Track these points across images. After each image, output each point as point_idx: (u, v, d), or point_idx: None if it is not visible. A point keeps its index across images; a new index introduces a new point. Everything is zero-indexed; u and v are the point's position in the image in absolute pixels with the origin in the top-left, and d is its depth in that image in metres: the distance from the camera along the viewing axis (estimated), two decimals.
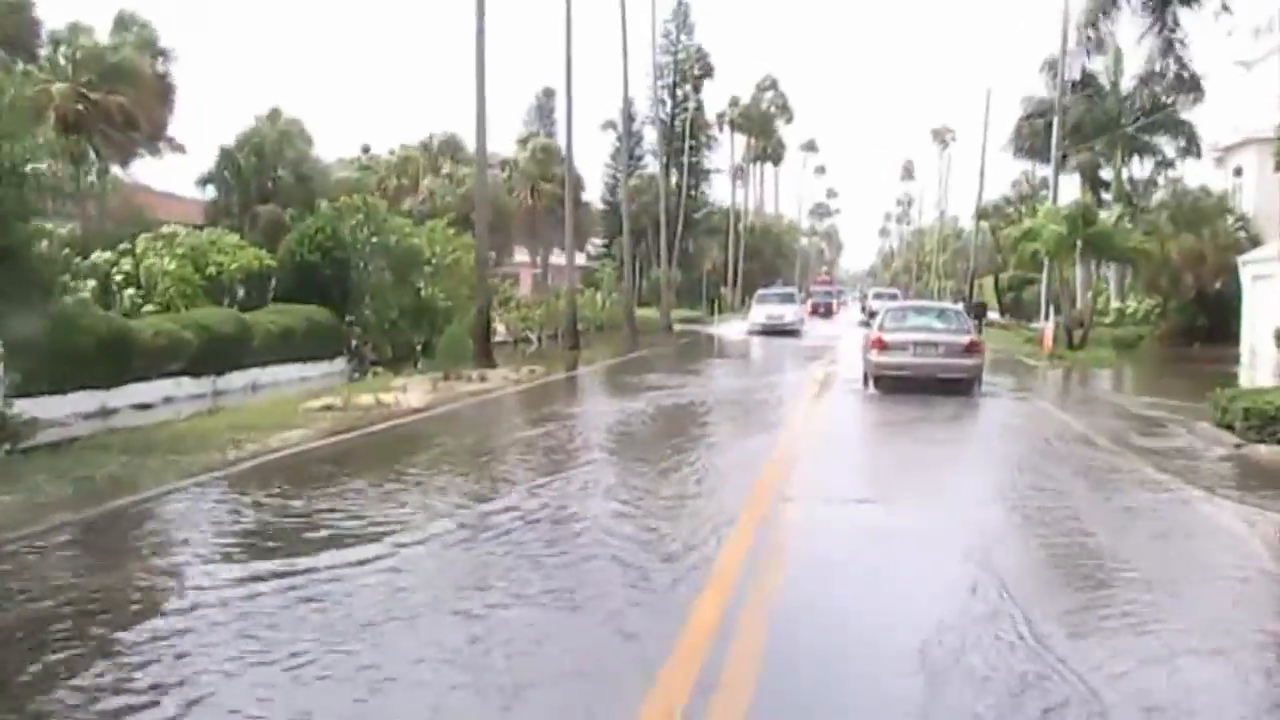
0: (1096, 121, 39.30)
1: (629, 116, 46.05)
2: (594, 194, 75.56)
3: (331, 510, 8.95)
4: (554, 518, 8.73)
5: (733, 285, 76.44)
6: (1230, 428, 13.41)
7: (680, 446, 13.53)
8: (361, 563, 7.19)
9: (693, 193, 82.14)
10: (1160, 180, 43.42)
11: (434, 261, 28.10)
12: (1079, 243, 29.56)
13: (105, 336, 17.56)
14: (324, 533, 8.14)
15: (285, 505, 9.27)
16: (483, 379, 21.62)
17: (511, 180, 50.18)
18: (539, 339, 36.65)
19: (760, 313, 44.54)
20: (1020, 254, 30.35)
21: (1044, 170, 49.94)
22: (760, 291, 52.11)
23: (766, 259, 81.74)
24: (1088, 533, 8.61)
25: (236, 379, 21.36)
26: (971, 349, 19.16)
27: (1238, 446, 12.77)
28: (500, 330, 36.73)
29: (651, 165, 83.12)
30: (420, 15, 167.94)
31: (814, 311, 63.46)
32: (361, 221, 25.21)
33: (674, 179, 79.60)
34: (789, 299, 47.56)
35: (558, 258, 62.71)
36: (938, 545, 8.05)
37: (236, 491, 9.96)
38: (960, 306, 60.84)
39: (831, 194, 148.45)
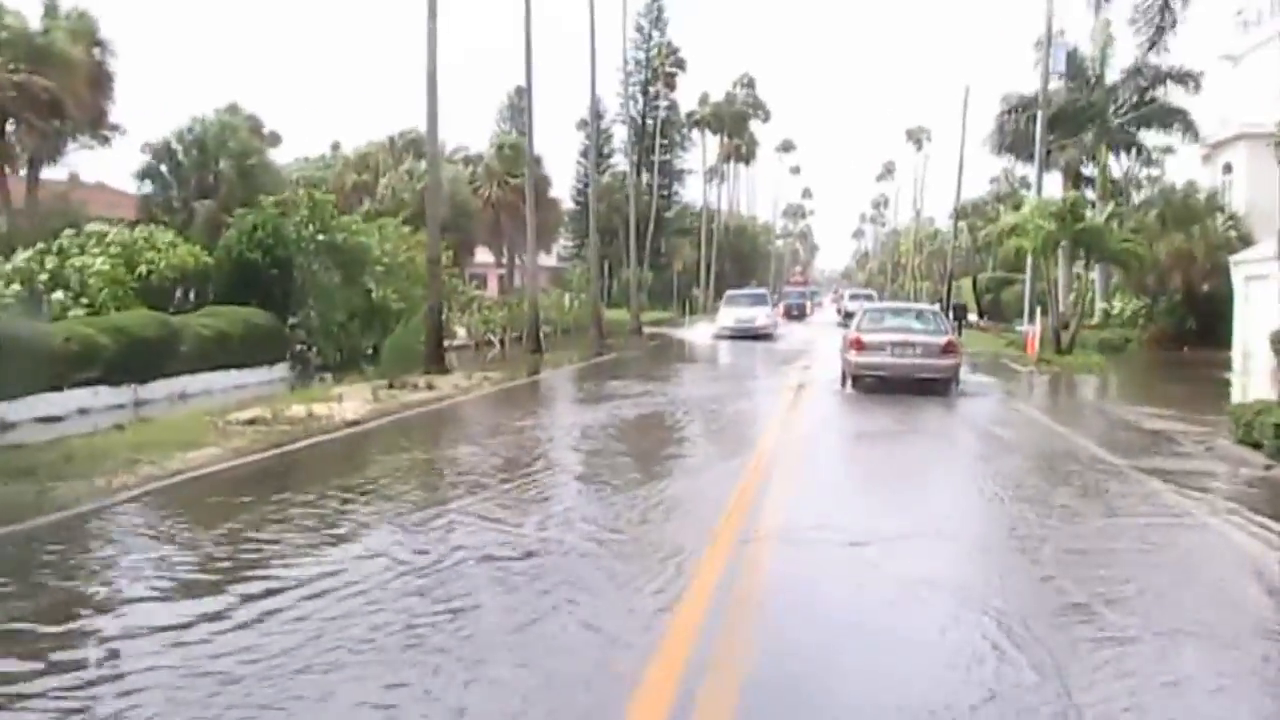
0: (1082, 114, 37.97)
1: (596, 114, 44.22)
2: (565, 192, 74.08)
3: (191, 562, 7.37)
4: (453, 574, 7.08)
5: (705, 286, 74.90)
6: (1256, 445, 11.92)
7: (639, 468, 11.93)
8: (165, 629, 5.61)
9: (665, 192, 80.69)
10: (1145, 177, 42.25)
11: (385, 261, 26.40)
12: (1065, 241, 28.16)
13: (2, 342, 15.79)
14: (153, 592, 6.54)
15: (141, 555, 7.61)
16: (431, 387, 19.95)
17: (476, 178, 48.41)
18: (502, 342, 35.03)
19: (729, 316, 41.50)
20: (1004, 251, 28.84)
21: (1025, 168, 48.73)
22: (729, 293, 48.33)
23: (740, 260, 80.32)
24: (1124, 580, 7.08)
25: (161, 388, 19.55)
26: (949, 349, 19.55)
27: (1268, 468, 11.28)
28: (461, 333, 35.11)
29: (624, 164, 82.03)
30: (398, 11, 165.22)
31: (787, 314, 60.75)
32: (306, 218, 23.43)
33: (645, 178, 78.26)
34: (760, 301, 43.97)
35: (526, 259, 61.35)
36: (943, 599, 6.48)
37: (88, 537, 8.30)
38: (937, 308, 59.99)
39: (806, 194, 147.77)
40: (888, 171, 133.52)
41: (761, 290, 51.01)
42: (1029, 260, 30.93)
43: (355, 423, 15.61)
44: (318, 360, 24.18)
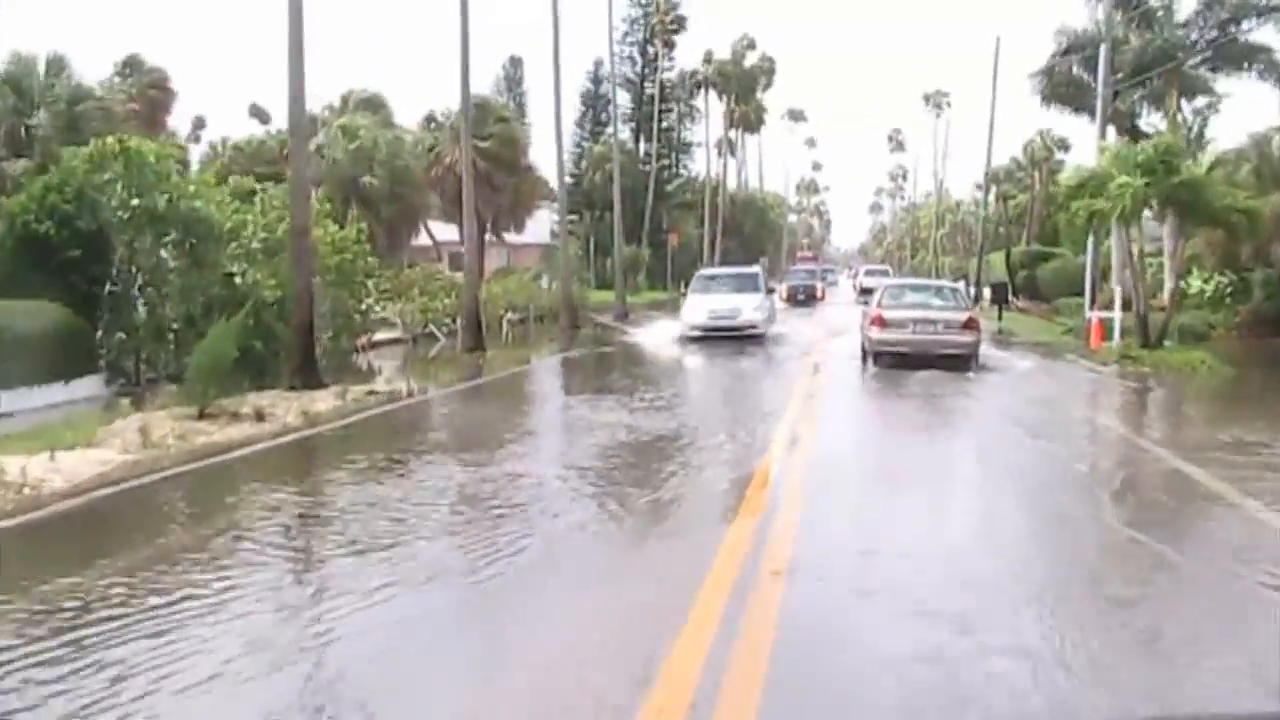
0: (1147, 53, 31.26)
1: (557, 48, 37.55)
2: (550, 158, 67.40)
3: None
4: None
5: (710, 264, 68.16)
6: None
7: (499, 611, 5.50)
8: None
9: (666, 163, 73.99)
10: (1205, 130, 35.50)
11: (263, 236, 19.97)
12: (1154, 201, 21.50)
13: None
14: None
15: None
16: (261, 417, 13.52)
17: (439, 143, 41.80)
18: (452, 333, 28.58)
19: (699, 307, 27.67)
20: (1071, 216, 22.15)
21: (1074, 122, 42.07)
22: (701, 273, 33.85)
23: (748, 235, 73.40)
24: None
25: None
26: (969, 325, 19.52)
27: None
28: (399, 326, 28.85)
29: (623, 132, 75.19)
30: None
31: (792, 298, 47.79)
32: (121, 175, 16.94)
33: (645, 147, 71.55)
34: (747, 284, 29.45)
35: (512, 236, 54.59)
36: None
37: None
38: (961, 284, 53.28)
39: (817, 166, 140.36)
40: (899, 145, 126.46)
41: (751, 270, 33.42)
42: (1096, 228, 23.99)
43: (71, 494, 9.37)
44: (150, 372, 17.79)
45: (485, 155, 40.41)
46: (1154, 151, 20.89)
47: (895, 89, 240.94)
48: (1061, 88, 38.19)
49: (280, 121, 40.83)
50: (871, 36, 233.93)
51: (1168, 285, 32.01)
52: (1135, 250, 23.17)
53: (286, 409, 14.22)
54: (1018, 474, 10.55)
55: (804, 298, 49.35)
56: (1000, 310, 36.92)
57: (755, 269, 33.44)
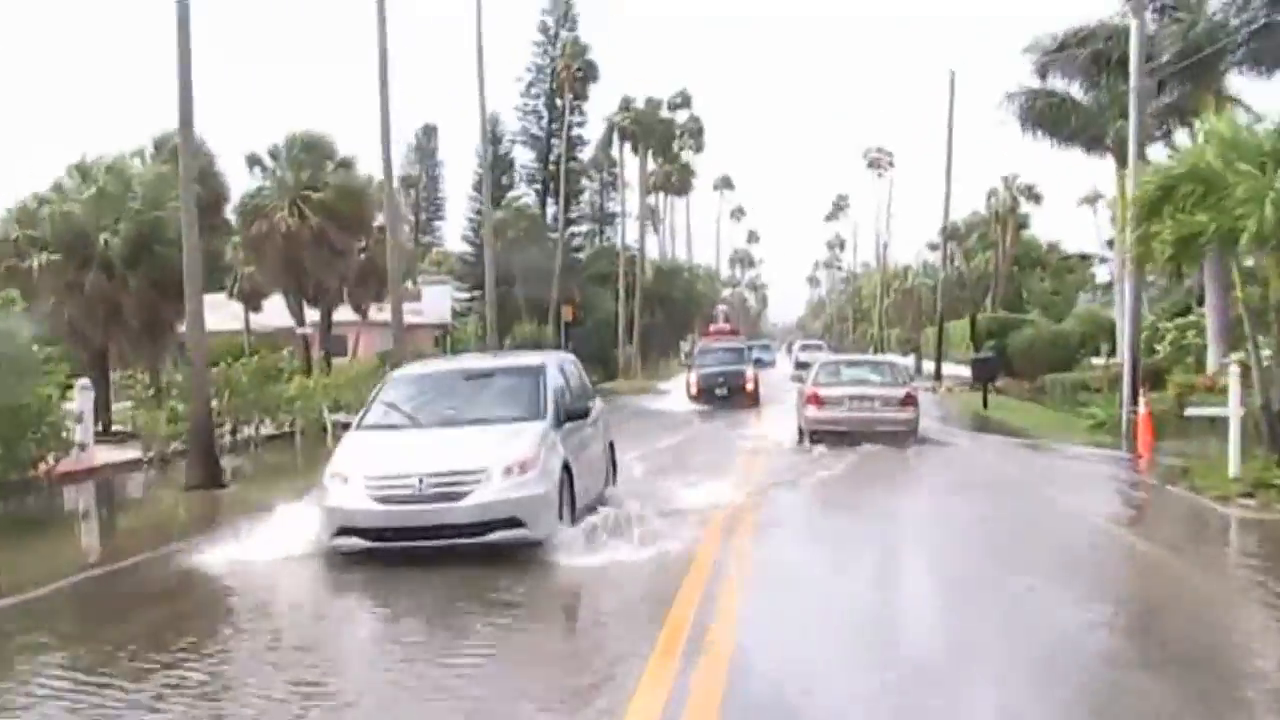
0: (1190, 45, 23.48)
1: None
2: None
3: None
4: None
5: (626, 344, 59.38)
6: None
7: None
8: None
9: (577, 230, 65.51)
10: None
11: None
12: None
13: None
14: None
15: None
16: None
17: (263, 192, 32.65)
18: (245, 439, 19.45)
19: (355, 472, 10.21)
20: (1151, 244, 13.36)
21: (1045, 162, 34.23)
22: (396, 376, 13.14)
23: (676, 309, 64.64)
24: None
25: None
26: (908, 401, 19.21)
27: None
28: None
29: (528, 196, 66.64)
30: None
31: (704, 394, 31.52)
32: None
33: (552, 210, 62.98)
34: (510, 398, 11.53)
35: (376, 313, 45.02)
36: None
37: None
38: (909, 359, 44.29)
39: (754, 237, 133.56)
40: (839, 211, 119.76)
41: (526, 362, 13.06)
42: (1187, 259, 14.97)
43: None
44: None
45: (320, 209, 31.35)
46: None
47: (835, 153, 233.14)
48: (1046, 109, 30.38)
49: None
50: (809, 99, 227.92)
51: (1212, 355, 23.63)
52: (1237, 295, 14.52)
53: None
54: None
55: (725, 392, 31.06)
56: (985, 393, 28.44)
57: (539, 361, 12.61)
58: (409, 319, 62.38)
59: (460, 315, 62.11)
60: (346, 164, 32.65)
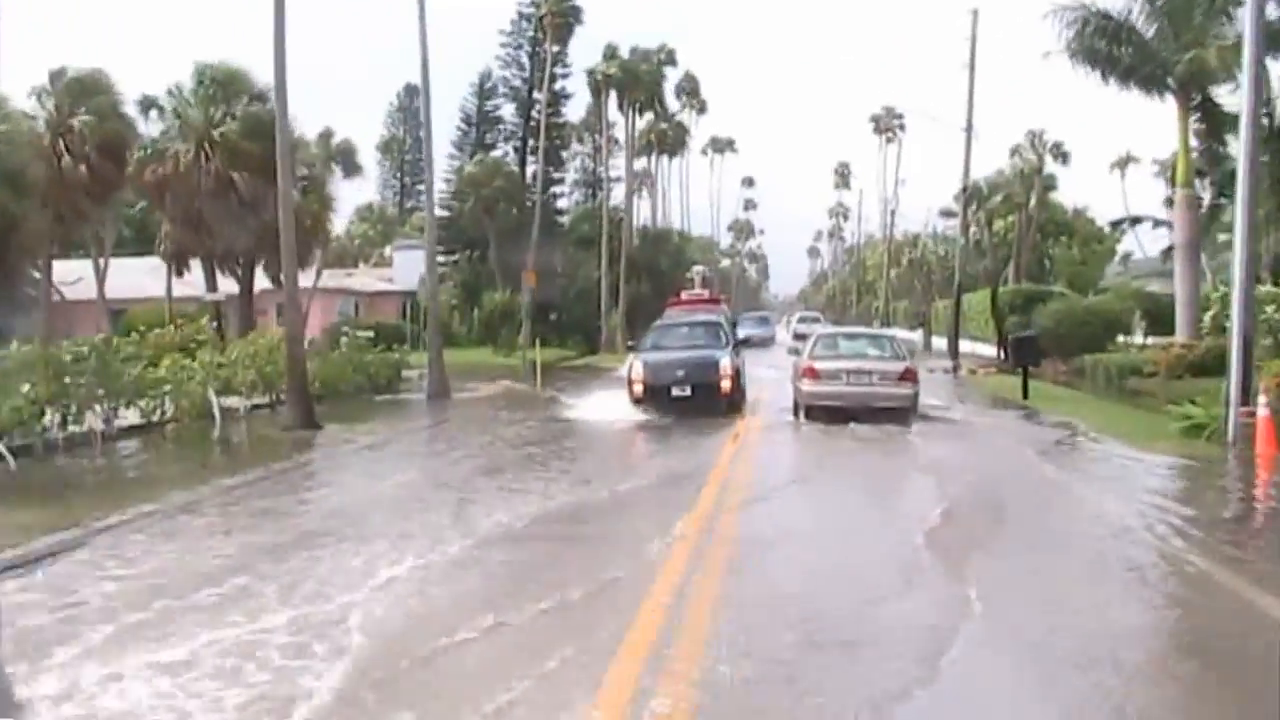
0: None
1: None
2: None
3: None
4: None
5: (611, 312, 54.26)
6: None
7: None
8: None
9: (558, 190, 60.36)
10: None
11: None
12: None
13: None
14: None
15: None
16: None
17: (166, 134, 27.51)
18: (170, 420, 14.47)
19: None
20: None
21: (1088, 103, 29.08)
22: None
23: (661, 277, 59.35)
24: None
25: None
26: (906, 376, 18.73)
27: None
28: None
29: (507, 152, 61.44)
30: None
31: (645, 397, 19.48)
32: None
33: (532, 168, 57.75)
34: None
35: (364, 281, 40.31)
36: None
37: None
38: (917, 335, 38.94)
39: (751, 205, 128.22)
40: (844, 179, 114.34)
41: None
42: None
43: None
44: None
45: (225, 149, 26.24)
46: None
47: (842, 120, 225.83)
48: (1101, 40, 25.25)
49: None
50: (816, 62, 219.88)
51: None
52: None
53: None
54: None
55: (686, 392, 19.37)
56: (1025, 380, 23.36)
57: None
58: (379, 286, 57.36)
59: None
60: (262, 97, 27.31)
